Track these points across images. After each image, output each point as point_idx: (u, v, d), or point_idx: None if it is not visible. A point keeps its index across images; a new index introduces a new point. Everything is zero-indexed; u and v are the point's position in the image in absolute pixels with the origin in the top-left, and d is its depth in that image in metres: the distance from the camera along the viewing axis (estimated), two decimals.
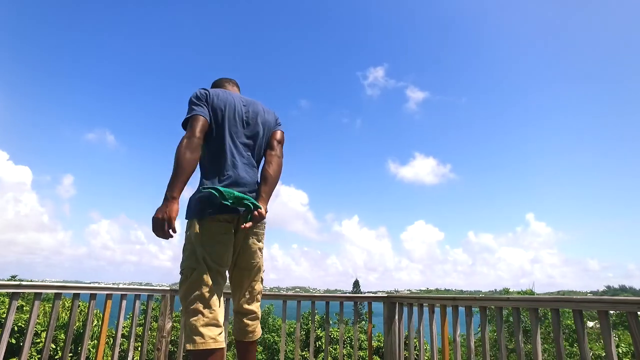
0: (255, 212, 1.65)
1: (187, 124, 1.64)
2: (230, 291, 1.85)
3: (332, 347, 5.77)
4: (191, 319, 1.50)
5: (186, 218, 1.68)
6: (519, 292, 9.21)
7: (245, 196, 1.64)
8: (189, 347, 1.47)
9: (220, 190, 1.59)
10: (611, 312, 1.70)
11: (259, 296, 1.83)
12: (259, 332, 1.83)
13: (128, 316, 4.02)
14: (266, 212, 1.71)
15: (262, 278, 1.83)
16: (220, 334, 1.52)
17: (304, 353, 5.63)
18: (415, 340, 2.98)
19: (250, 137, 1.80)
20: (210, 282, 1.55)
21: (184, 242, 1.68)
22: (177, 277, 1.66)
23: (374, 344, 6.02)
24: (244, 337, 1.79)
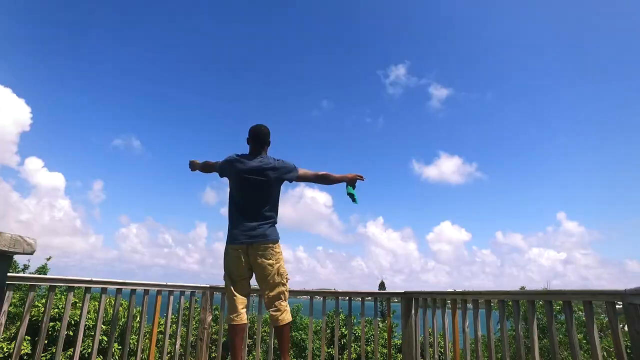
0: (357, 179, 2.93)
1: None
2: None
3: (356, 345, 6.04)
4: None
5: None
6: None
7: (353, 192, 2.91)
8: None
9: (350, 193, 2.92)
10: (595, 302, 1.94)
11: (277, 294, 2.58)
12: (282, 319, 2.55)
13: (174, 315, 4.49)
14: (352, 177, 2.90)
15: (281, 282, 2.58)
16: (237, 315, 2.53)
17: (329, 350, 5.94)
18: (436, 335, 3.23)
19: (253, 193, 2.58)
20: (229, 285, 2.62)
21: None
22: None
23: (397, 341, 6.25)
24: (273, 324, 2.60)
